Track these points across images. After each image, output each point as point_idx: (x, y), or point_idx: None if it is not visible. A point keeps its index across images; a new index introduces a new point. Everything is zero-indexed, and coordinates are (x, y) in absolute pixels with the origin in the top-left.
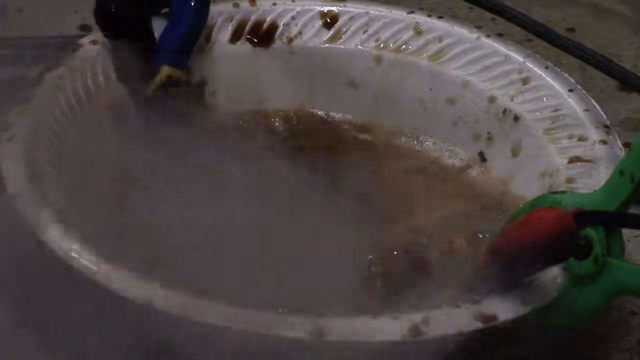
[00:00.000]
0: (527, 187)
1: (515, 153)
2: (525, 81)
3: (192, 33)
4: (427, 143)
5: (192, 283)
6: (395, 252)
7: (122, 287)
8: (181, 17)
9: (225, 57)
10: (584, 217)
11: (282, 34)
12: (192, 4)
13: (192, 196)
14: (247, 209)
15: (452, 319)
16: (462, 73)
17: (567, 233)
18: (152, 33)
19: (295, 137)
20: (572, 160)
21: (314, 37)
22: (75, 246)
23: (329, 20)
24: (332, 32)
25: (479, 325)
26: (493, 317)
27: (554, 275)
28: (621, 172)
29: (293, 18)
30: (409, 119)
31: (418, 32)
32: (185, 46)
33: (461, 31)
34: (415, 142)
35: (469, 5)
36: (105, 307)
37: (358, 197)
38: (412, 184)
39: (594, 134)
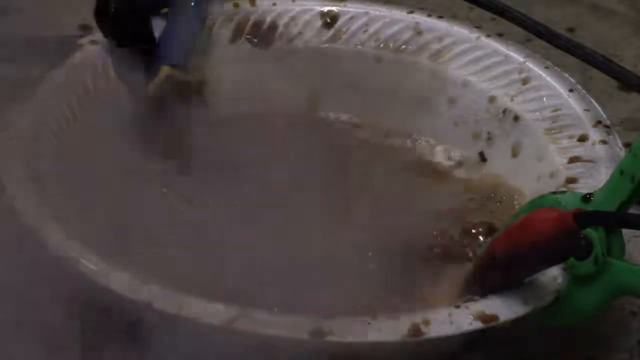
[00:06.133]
0: (526, 187)
1: (515, 153)
2: (525, 81)
3: (192, 31)
4: (427, 143)
5: (194, 282)
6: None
7: (121, 287)
8: (181, 16)
9: (225, 57)
10: (584, 217)
11: (282, 34)
12: (192, 3)
13: (192, 196)
14: (247, 209)
15: (452, 319)
16: (462, 73)
17: (567, 233)
18: (152, 33)
19: (294, 136)
20: (572, 160)
21: (314, 37)
22: (75, 246)
23: (329, 20)
24: (332, 32)
25: (479, 325)
26: (493, 317)
27: (554, 275)
28: (621, 172)
29: (293, 18)
30: (409, 119)
31: (418, 32)
32: (184, 45)
33: (461, 31)
34: (415, 142)
35: (469, 5)
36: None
37: (357, 196)
38: (411, 183)
39: (594, 134)
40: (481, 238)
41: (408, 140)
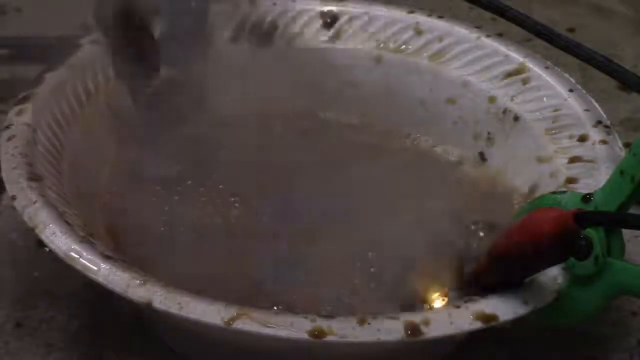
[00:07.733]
0: (526, 187)
1: (515, 153)
2: (525, 81)
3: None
4: (426, 143)
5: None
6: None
7: (121, 286)
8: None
9: (225, 57)
10: (584, 217)
11: (282, 34)
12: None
13: (192, 195)
14: (247, 209)
15: (452, 319)
16: (462, 73)
17: (568, 233)
18: (151, 33)
19: (294, 137)
20: (572, 160)
21: (314, 37)
22: (75, 246)
23: (329, 20)
24: (332, 32)
25: (479, 325)
26: (493, 317)
27: (554, 275)
28: (621, 172)
29: (293, 18)
30: (409, 119)
31: (418, 32)
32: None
33: (461, 31)
34: (415, 142)
35: (469, 5)
36: None
37: (357, 195)
38: (412, 182)
39: (594, 134)
40: (481, 236)
41: (408, 140)
